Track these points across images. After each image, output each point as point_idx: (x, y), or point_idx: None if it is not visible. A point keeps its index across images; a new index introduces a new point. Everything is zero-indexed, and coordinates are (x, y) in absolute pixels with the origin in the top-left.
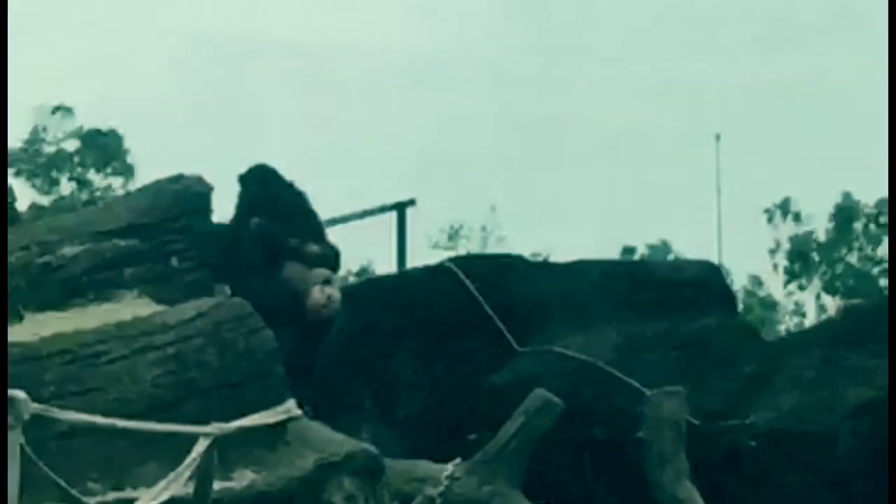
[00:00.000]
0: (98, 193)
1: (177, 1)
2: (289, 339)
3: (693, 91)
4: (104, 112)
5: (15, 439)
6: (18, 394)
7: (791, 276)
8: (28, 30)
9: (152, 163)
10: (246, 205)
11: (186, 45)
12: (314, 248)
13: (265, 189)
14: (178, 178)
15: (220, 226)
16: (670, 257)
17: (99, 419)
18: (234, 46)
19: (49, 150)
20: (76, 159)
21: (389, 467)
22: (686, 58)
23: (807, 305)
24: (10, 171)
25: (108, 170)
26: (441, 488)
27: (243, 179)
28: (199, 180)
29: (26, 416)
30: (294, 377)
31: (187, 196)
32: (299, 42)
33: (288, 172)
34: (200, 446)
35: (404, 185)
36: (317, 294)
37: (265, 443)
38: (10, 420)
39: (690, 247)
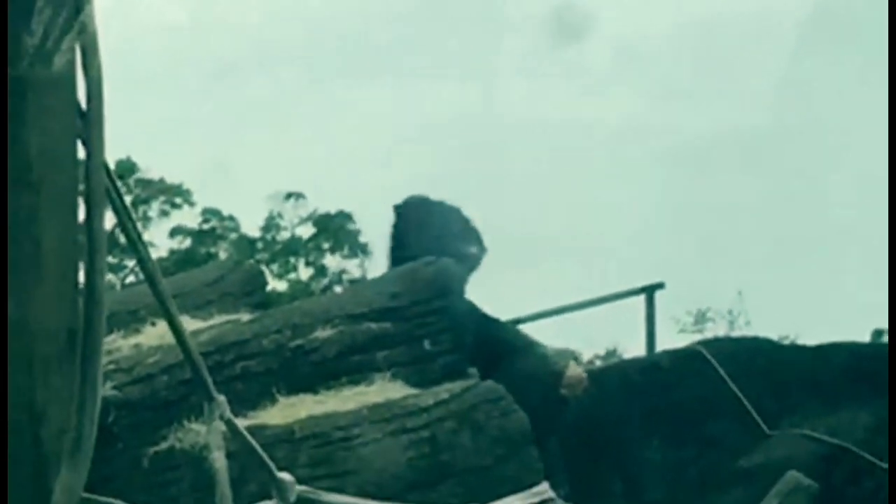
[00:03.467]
0: (334, 277)
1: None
2: (538, 411)
3: None
4: (335, 196)
5: None
6: (286, 476)
7: None
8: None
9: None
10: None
11: (412, 127)
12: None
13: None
14: (432, 261)
15: (476, 308)
16: None
17: (361, 501)
18: (468, 126)
19: (284, 235)
20: (310, 244)
21: None
22: None
23: None
24: (257, 257)
25: (345, 251)
26: None
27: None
28: (454, 262)
29: (292, 499)
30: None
31: (441, 279)
32: (547, 120)
33: (532, 254)
34: None
35: (652, 268)
36: (575, 369)
37: None
38: (278, 502)
39: None
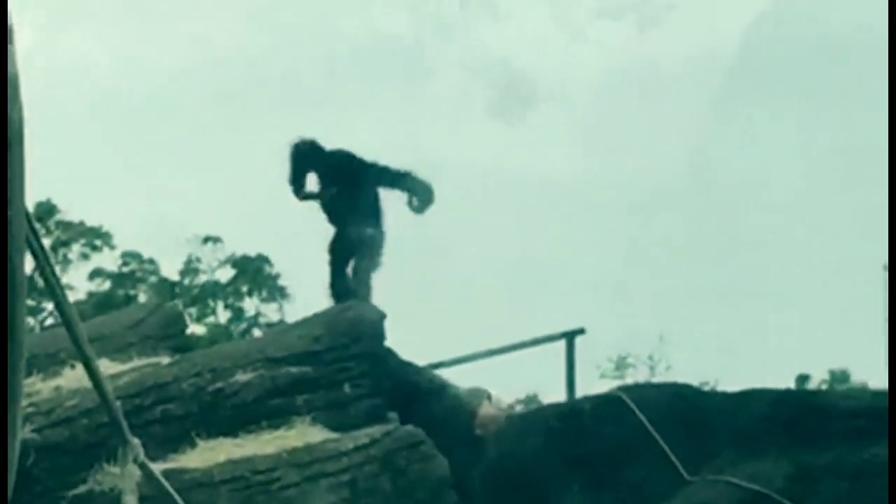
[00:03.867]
0: (252, 320)
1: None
2: (455, 453)
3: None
4: (253, 240)
5: None
6: None
7: None
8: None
9: (305, 287)
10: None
11: None
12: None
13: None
14: (353, 305)
15: (393, 354)
16: (847, 386)
17: None
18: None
19: (203, 279)
20: (229, 288)
21: None
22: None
23: None
24: (176, 301)
25: (263, 295)
26: None
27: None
28: (374, 308)
29: None
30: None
31: (362, 323)
32: (469, 167)
33: (451, 299)
34: None
35: (570, 313)
36: (487, 408)
37: None
38: None
39: (871, 376)
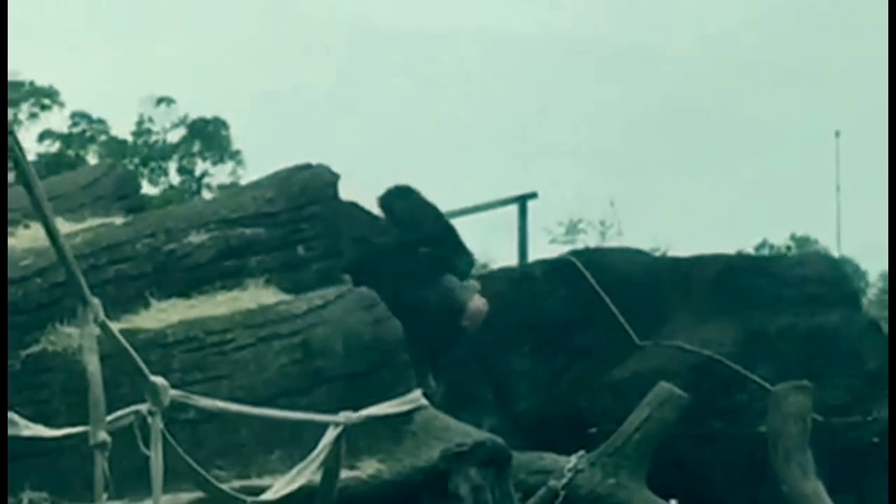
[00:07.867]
0: (199, 182)
1: None
2: (446, 343)
3: (816, 85)
4: (209, 104)
5: (157, 425)
6: (159, 380)
7: None
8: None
9: (261, 152)
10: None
11: (305, 32)
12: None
13: (408, 208)
14: (306, 167)
15: (358, 210)
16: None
17: (233, 406)
18: (352, 34)
19: (155, 139)
20: (181, 149)
21: (514, 459)
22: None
23: None
24: (127, 161)
25: (216, 158)
26: (565, 480)
27: (386, 201)
28: (327, 169)
29: (166, 403)
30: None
31: (315, 184)
32: (420, 30)
33: (406, 163)
34: (328, 436)
35: (519, 177)
36: (478, 302)
37: (392, 432)
38: (151, 406)
39: (829, 241)
